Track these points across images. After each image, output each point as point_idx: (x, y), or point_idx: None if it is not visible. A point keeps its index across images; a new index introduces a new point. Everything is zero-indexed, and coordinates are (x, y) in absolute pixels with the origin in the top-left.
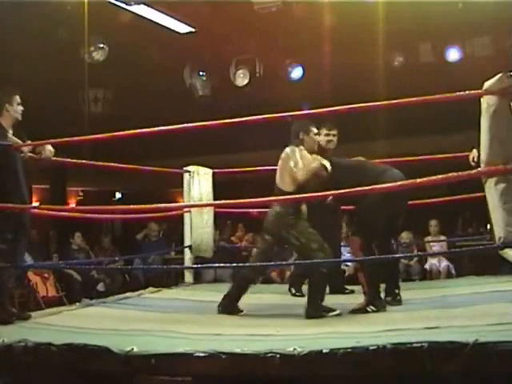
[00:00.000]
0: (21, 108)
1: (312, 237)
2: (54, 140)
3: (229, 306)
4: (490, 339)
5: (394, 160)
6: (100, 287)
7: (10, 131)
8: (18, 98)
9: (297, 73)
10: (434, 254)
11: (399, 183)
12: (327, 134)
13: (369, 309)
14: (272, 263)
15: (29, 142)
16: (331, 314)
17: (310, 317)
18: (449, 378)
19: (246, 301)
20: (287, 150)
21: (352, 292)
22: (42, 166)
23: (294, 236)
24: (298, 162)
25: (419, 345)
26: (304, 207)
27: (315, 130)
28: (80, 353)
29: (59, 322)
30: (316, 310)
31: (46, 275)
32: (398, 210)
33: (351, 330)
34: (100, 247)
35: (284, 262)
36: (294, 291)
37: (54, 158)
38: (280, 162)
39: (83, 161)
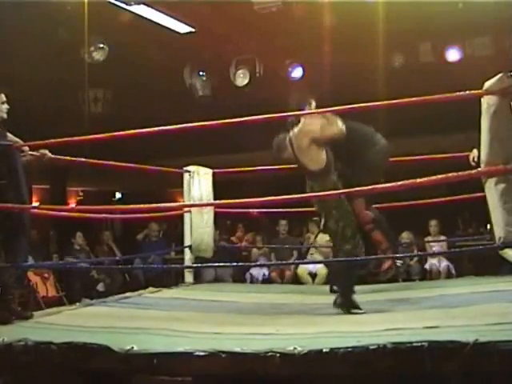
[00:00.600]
0: (6, 106)
1: (351, 223)
2: (53, 140)
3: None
4: (490, 339)
5: (395, 160)
6: (100, 287)
7: None
8: (3, 97)
9: (297, 73)
10: (433, 254)
11: (400, 183)
12: None
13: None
14: (273, 262)
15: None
16: (356, 311)
17: (340, 306)
18: (449, 377)
19: (247, 300)
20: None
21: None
22: (42, 165)
23: (335, 218)
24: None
25: (419, 344)
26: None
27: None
28: (80, 351)
29: (59, 321)
30: (346, 301)
31: (45, 275)
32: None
33: (351, 329)
34: (101, 243)
35: (285, 262)
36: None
37: (55, 156)
38: (296, 143)
39: (83, 159)
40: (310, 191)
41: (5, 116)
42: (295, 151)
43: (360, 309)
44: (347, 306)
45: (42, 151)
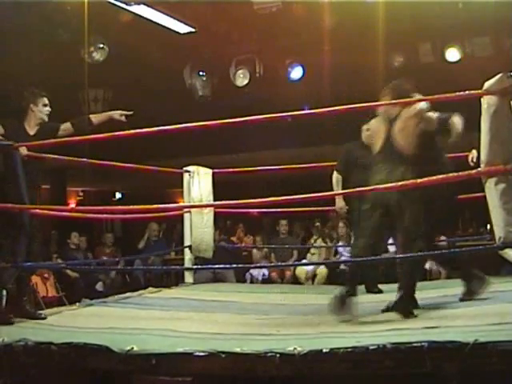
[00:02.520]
0: (47, 109)
1: (421, 220)
2: (53, 140)
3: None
4: (490, 339)
5: None
6: (99, 287)
7: (32, 132)
8: (45, 100)
9: (297, 73)
10: (434, 254)
11: (401, 183)
12: None
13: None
14: (274, 264)
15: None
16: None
17: (398, 310)
18: (449, 377)
19: (247, 300)
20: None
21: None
22: (44, 165)
23: (412, 212)
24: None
25: (419, 344)
26: None
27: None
28: (80, 352)
29: (59, 321)
30: (406, 304)
31: (46, 275)
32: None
33: (351, 329)
34: (102, 244)
35: (288, 263)
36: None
37: (55, 156)
38: (404, 119)
39: (84, 159)
40: (400, 176)
41: (46, 118)
42: (397, 130)
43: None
44: (406, 310)
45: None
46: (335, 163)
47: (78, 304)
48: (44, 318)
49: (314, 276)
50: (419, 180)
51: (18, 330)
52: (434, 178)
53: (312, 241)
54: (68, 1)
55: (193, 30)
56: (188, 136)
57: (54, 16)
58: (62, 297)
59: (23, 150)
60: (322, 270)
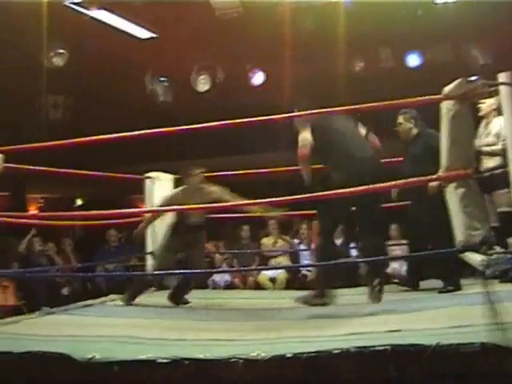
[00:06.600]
0: None
1: None
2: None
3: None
4: (451, 342)
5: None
6: (65, 291)
7: None
8: None
9: (258, 78)
10: (396, 259)
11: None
12: None
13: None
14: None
15: None
16: None
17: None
18: (412, 381)
19: (211, 306)
20: None
21: None
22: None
23: None
24: None
25: (382, 348)
26: None
27: None
28: (40, 361)
29: (18, 330)
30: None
31: (5, 284)
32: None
33: (314, 333)
34: (62, 251)
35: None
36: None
37: (7, 165)
38: None
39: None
40: None
41: None
42: None
43: None
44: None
45: None
46: None
47: (37, 313)
48: None
49: (274, 281)
50: (378, 185)
51: None
52: (394, 182)
53: (268, 241)
54: (27, 7)
55: (154, 35)
56: (149, 142)
57: (13, 23)
58: (22, 306)
59: None
60: (282, 275)
